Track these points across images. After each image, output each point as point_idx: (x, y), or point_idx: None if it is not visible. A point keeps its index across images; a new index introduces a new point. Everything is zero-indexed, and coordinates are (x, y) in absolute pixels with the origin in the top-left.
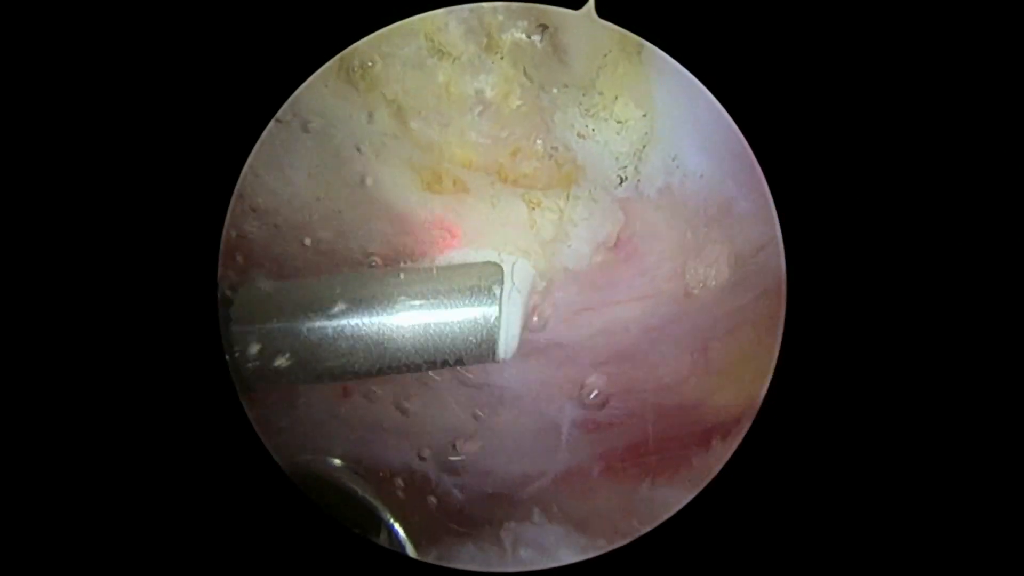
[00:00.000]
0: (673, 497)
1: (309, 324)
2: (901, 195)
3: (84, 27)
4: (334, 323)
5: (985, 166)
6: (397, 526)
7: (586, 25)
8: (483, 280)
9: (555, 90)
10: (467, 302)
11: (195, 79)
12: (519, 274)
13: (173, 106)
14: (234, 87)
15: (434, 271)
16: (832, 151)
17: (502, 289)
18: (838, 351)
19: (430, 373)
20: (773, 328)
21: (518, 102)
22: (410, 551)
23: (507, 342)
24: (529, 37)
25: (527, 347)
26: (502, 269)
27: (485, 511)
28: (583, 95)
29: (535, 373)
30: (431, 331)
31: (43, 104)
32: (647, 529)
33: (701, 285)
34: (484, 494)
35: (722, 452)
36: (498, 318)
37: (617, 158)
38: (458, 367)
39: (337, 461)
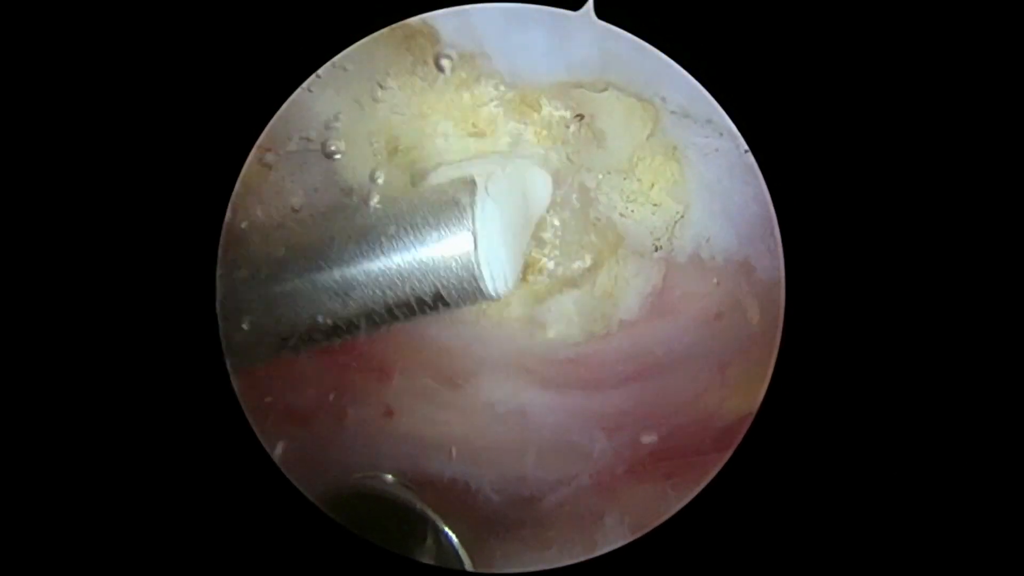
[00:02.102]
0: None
1: (280, 285)
2: (901, 212)
3: (78, 29)
4: (298, 280)
5: (985, 174)
6: (453, 536)
7: (620, 111)
8: (452, 197)
9: (600, 176)
10: (435, 226)
11: (197, 75)
12: (504, 185)
13: (173, 104)
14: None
15: (400, 199)
16: (832, 161)
17: (475, 206)
18: (836, 359)
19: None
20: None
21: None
22: (464, 559)
23: (495, 271)
24: (567, 127)
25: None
26: (475, 183)
27: (523, 514)
28: (624, 179)
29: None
30: (399, 265)
31: (42, 105)
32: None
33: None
34: (521, 498)
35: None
36: (475, 242)
37: (652, 231)
38: (444, 308)
39: (389, 476)
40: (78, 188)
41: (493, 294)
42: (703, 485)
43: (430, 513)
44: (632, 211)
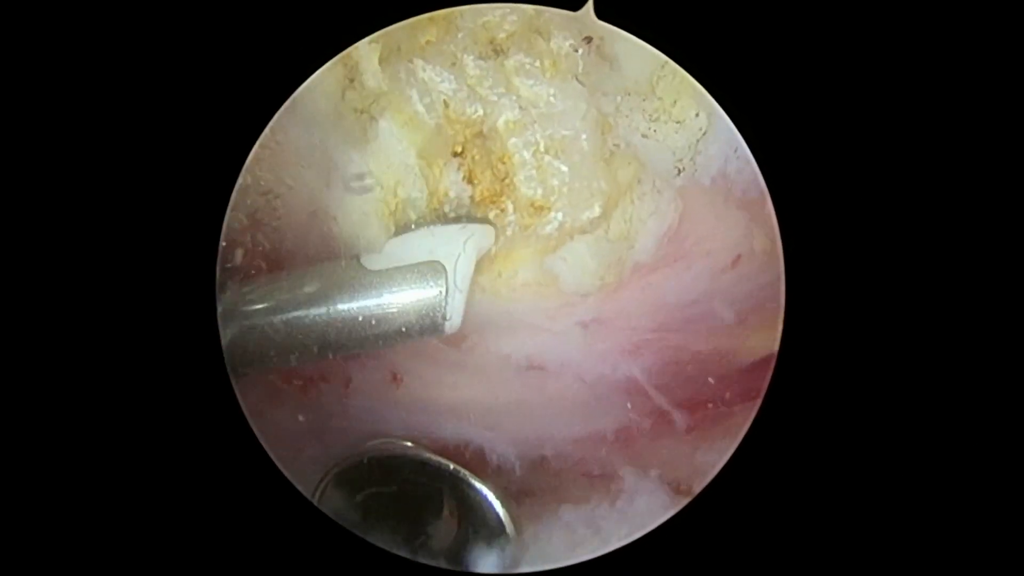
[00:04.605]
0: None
1: (286, 314)
2: (899, 190)
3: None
4: (303, 312)
5: (985, 175)
6: (490, 493)
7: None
8: (426, 281)
9: (618, 98)
10: (416, 290)
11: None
12: (465, 260)
13: (178, 102)
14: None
15: (388, 271)
16: (829, 145)
17: (445, 292)
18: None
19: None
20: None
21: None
22: (504, 517)
23: (452, 319)
24: (576, 51)
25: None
26: (444, 270)
27: (543, 475)
28: (643, 100)
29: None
30: (385, 314)
31: (48, 98)
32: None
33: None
34: (540, 458)
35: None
36: (443, 317)
37: (674, 152)
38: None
39: (408, 442)
40: (82, 195)
41: (448, 332)
42: (736, 439)
43: (464, 472)
44: (655, 131)
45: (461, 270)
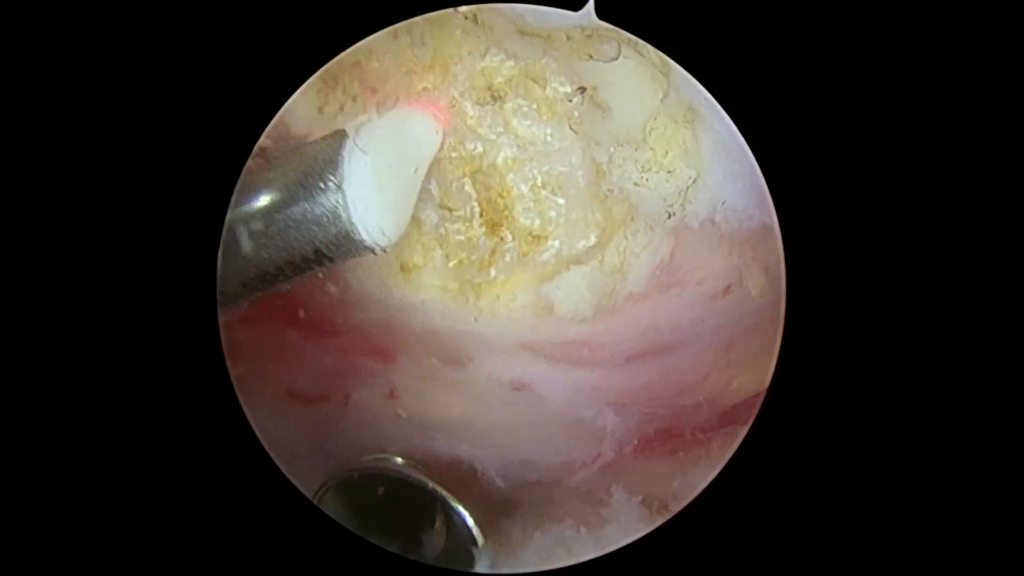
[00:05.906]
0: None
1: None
2: (896, 201)
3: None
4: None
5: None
6: (465, 513)
7: (627, 83)
8: (322, 153)
9: (612, 149)
10: (305, 184)
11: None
12: (379, 133)
13: (176, 102)
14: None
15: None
16: (835, 157)
17: (343, 161)
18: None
19: None
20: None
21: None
22: (477, 536)
23: (370, 224)
24: (570, 100)
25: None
26: (344, 135)
27: (531, 497)
28: (636, 151)
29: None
30: (273, 226)
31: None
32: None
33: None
34: (527, 482)
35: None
36: (343, 197)
37: (665, 198)
38: (328, 262)
39: (398, 458)
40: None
41: (373, 245)
42: (720, 463)
43: (442, 491)
44: (647, 179)
45: (375, 141)
